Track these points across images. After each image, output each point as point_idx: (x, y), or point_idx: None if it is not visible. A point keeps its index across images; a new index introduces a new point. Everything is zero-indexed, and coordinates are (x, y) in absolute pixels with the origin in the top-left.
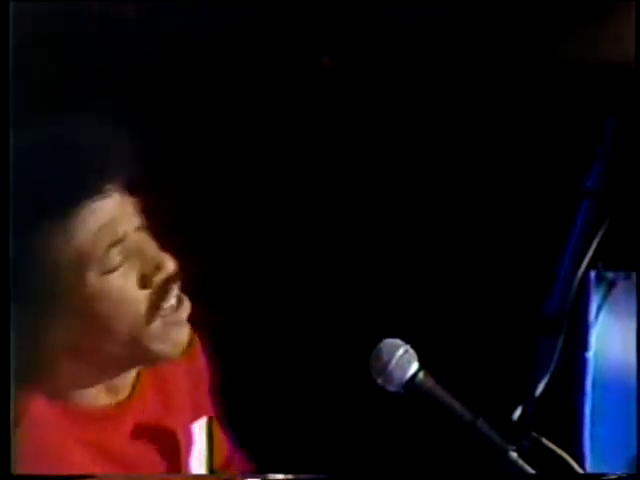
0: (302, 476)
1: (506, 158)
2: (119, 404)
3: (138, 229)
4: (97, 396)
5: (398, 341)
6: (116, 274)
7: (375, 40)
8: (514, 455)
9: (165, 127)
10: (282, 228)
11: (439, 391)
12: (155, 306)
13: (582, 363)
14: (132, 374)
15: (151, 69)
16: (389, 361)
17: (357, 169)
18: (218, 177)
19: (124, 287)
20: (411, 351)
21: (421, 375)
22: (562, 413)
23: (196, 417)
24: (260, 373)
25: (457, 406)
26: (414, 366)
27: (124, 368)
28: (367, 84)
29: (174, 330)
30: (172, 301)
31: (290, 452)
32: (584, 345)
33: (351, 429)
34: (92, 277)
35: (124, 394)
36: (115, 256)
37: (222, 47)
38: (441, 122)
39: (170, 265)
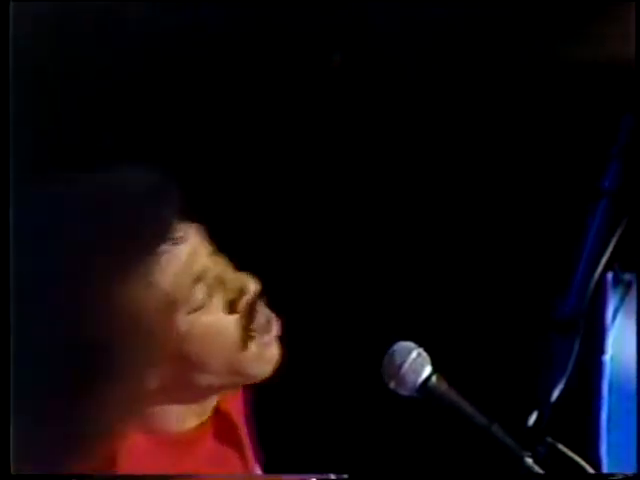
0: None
1: (522, 159)
2: (202, 424)
3: (211, 256)
4: (185, 421)
5: (411, 344)
6: (203, 310)
7: (384, 38)
8: (529, 461)
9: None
10: (294, 230)
11: (453, 395)
12: (247, 330)
13: (598, 367)
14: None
15: (152, 69)
16: (402, 364)
17: (368, 167)
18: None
19: (213, 321)
20: (424, 354)
21: (434, 379)
22: (578, 418)
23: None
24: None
25: (471, 411)
26: (427, 369)
27: (217, 393)
28: (376, 82)
29: (269, 350)
30: (262, 320)
31: (301, 454)
32: (601, 348)
33: (362, 432)
34: (180, 319)
35: (208, 414)
36: (199, 293)
37: (231, 46)
38: (453, 121)
39: (252, 285)
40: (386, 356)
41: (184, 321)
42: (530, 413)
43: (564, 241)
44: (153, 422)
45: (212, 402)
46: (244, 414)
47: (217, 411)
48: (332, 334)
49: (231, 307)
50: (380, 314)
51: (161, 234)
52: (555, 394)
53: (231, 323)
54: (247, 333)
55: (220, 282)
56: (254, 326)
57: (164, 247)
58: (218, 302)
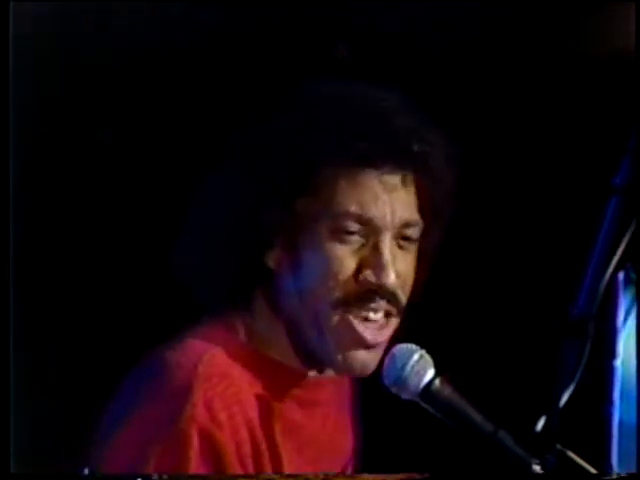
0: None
1: (532, 157)
2: (312, 377)
3: (400, 235)
4: (294, 358)
5: (413, 346)
6: (344, 244)
7: (390, 28)
8: (537, 468)
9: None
10: None
11: (457, 400)
12: (345, 303)
13: (609, 371)
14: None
15: (154, 66)
16: (403, 367)
17: None
18: None
19: (339, 259)
20: (427, 357)
21: (438, 382)
22: (588, 424)
23: None
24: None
25: (477, 416)
26: (430, 373)
27: (309, 354)
28: (383, 73)
29: (351, 341)
30: (363, 313)
31: None
32: (611, 351)
33: (364, 435)
34: (321, 227)
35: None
36: (352, 227)
37: (232, 38)
38: (463, 116)
39: (388, 280)
40: (386, 359)
41: (321, 232)
42: (538, 419)
43: (574, 239)
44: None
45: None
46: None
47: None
48: None
49: (357, 273)
50: None
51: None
52: (564, 399)
53: (345, 281)
54: (344, 303)
55: (376, 249)
56: (354, 308)
57: (371, 170)
58: (357, 258)
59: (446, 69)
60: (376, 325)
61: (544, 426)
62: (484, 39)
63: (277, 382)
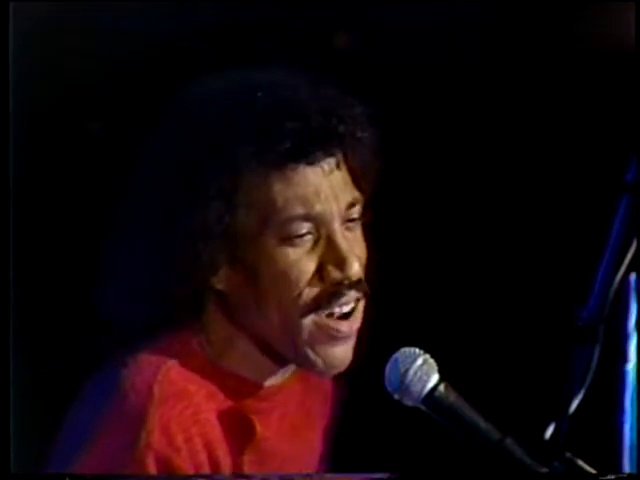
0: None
1: (543, 157)
2: (272, 387)
3: (344, 220)
4: (252, 371)
5: (416, 350)
6: (296, 247)
7: (391, 17)
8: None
9: None
10: None
11: (462, 406)
12: (316, 305)
13: (620, 376)
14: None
15: (155, 65)
16: (406, 373)
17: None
18: None
19: (297, 265)
20: (431, 361)
21: (442, 388)
22: (599, 432)
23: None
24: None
25: (483, 423)
26: (434, 378)
27: (277, 359)
28: (383, 64)
29: (327, 338)
30: (336, 309)
31: None
32: (622, 356)
33: (365, 441)
34: (269, 238)
35: (279, 379)
36: (302, 229)
37: (230, 28)
38: (468, 110)
39: (353, 270)
40: (388, 363)
41: (271, 242)
42: (547, 426)
43: (583, 239)
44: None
45: (284, 368)
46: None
47: (301, 378)
48: None
49: (320, 272)
50: (381, 316)
51: (311, 148)
52: (574, 405)
53: (309, 284)
54: (314, 306)
55: (330, 241)
56: (324, 305)
57: (295, 168)
58: (314, 257)
59: (450, 72)
60: (347, 316)
61: (553, 433)
62: (487, 42)
63: (234, 395)
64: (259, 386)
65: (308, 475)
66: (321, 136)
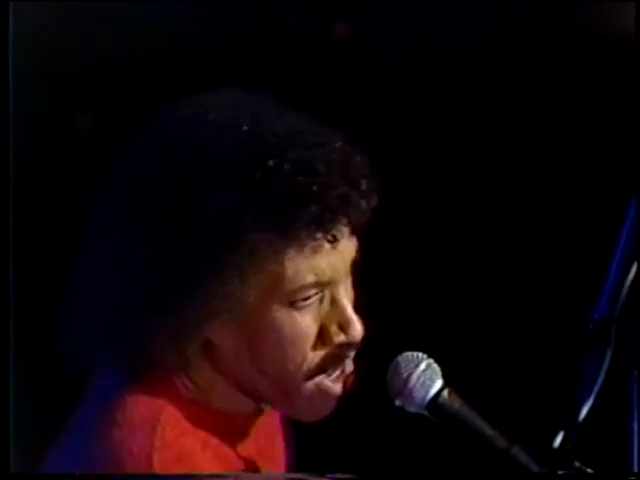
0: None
1: (554, 157)
2: (251, 419)
3: (346, 277)
4: (238, 404)
5: (419, 354)
6: (302, 311)
7: (390, 6)
8: None
9: None
10: None
11: (467, 413)
12: (320, 369)
13: (632, 381)
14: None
15: (155, 65)
16: (409, 378)
17: (376, 149)
18: None
19: (302, 329)
20: (434, 366)
21: (446, 394)
22: (610, 440)
23: None
24: None
25: (488, 430)
26: (438, 384)
27: (263, 402)
28: (382, 55)
29: (324, 398)
30: (339, 372)
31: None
32: (635, 360)
33: (366, 449)
34: (277, 304)
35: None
36: (311, 294)
37: (226, 18)
38: (468, 109)
39: (357, 333)
40: (390, 368)
41: (278, 308)
42: (555, 433)
43: (594, 240)
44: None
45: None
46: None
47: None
48: None
49: (323, 335)
50: (383, 319)
51: (313, 234)
52: (584, 412)
53: (313, 347)
54: (319, 369)
55: (334, 303)
56: (328, 369)
57: (316, 235)
58: (317, 319)
59: (450, 69)
60: (343, 375)
61: (562, 441)
62: (487, 39)
63: (224, 433)
64: (244, 418)
65: (308, 475)
66: (341, 210)
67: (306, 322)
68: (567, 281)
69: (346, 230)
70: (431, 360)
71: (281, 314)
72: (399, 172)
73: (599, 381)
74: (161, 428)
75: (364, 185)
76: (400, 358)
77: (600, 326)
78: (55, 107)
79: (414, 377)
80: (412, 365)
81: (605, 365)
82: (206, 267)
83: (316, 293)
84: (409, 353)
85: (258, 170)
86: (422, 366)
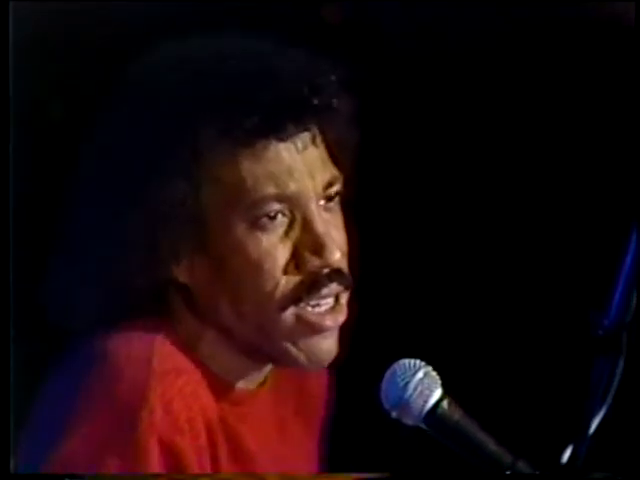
0: None
1: (564, 160)
2: (245, 391)
3: (320, 199)
4: (225, 371)
5: (417, 361)
6: (269, 232)
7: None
8: None
9: None
10: None
11: (469, 425)
12: (295, 297)
13: None
14: (265, 371)
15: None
16: (406, 387)
17: (372, 151)
18: None
19: (270, 252)
20: (433, 374)
21: (446, 405)
22: (622, 454)
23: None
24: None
25: (491, 445)
26: (437, 393)
27: (252, 355)
28: (376, 40)
29: (310, 333)
30: (316, 302)
31: None
32: None
33: (360, 462)
34: (238, 222)
35: (252, 384)
36: (274, 211)
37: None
38: (458, 84)
39: (333, 257)
40: (385, 377)
41: (240, 227)
42: (564, 448)
43: (604, 242)
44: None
45: (260, 372)
46: (326, 398)
47: (274, 380)
48: None
49: (296, 259)
50: (377, 324)
51: (265, 132)
52: (594, 424)
53: (285, 273)
54: (294, 298)
55: (307, 224)
56: (304, 296)
57: (265, 144)
58: (289, 243)
59: (449, 61)
60: (331, 309)
61: (571, 456)
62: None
63: (210, 391)
64: (231, 387)
65: (308, 475)
66: (293, 108)
67: (271, 242)
68: (575, 285)
69: (306, 135)
70: (429, 368)
71: (244, 235)
72: (399, 172)
73: (610, 391)
74: (160, 340)
75: (320, 83)
76: (396, 366)
77: (610, 332)
78: (55, 107)
79: (411, 386)
80: (409, 373)
81: (616, 374)
82: (158, 186)
83: (282, 213)
84: (406, 360)
85: (215, 65)
86: (420, 374)
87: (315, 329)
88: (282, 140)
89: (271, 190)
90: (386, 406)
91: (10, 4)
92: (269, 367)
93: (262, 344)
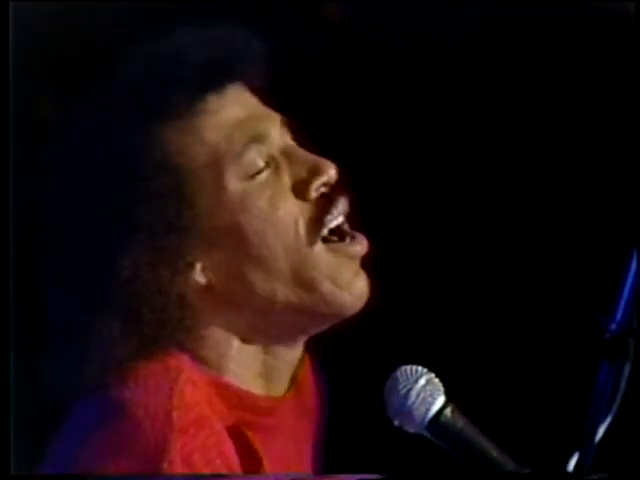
0: None
1: (572, 164)
2: (274, 400)
3: (281, 128)
4: (253, 381)
5: (419, 368)
6: (262, 178)
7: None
8: None
9: None
10: None
11: (472, 433)
12: (318, 222)
13: None
14: (293, 363)
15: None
16: (408, 394)
17: (371, 147)
18: None
19: (276, 200)
20: (435, 381)
21: (448, 412)
22: (629, 461)
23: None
24: None
25: (495, 452)
26: (440, 400)
27: (287, 326)
28: (376, 36)
29: (347, 264)
30: (340, 219)
31: None
32: None
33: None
34: (232, 182)
35: (280, 390)
36: (256, 156)
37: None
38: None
39: (331, 170)
40: (387, 384)
41: (236, 187)
42: (570, 455)
43: (611, 243)
44: (208, 353)
45: (285, 374)
46: (318, 398)
47: (297, 385)
48: (325, 353)
49: (300, 188)
50: (379, 329)
51: (211, 84)
52: (600, 431)
53: (296, 207)
54: (317, 226)
55: (289, 155)
56: (328, 220)
57: (217, 102)
58: (283, 179)
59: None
60: (352, 239)
61: (577, 464)
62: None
63: (238, 411)
64: (260, 399)
65: (308, 475)
66: (222, 69)
67: (271, 185)
68: (581, 288)
69: (237, 86)
70: (432, 375)
71: (245, 194)
72: (399, 172)
73: (617, 397)
74: (180, 390)
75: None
76: (398, 373)
77: (617, 337)
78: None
79: (413, 393)
80: (411, 380)
81: (623, 380)
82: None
83: (267, 161)
84: (408, 367)
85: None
86: (422, 381)
87: (350, 256)
88: (220, 93)
89: (244, 137)
90: (389, 413)
91: (10, 4)
92: (300, 356)
93: (302, 299)
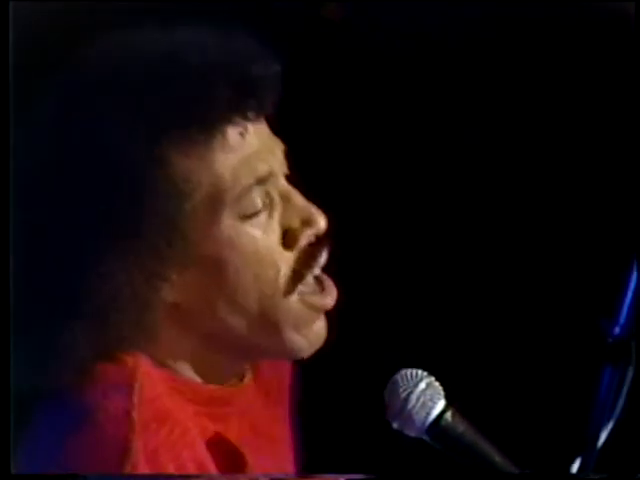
0: None
1: (566, 166)
2: (230, 389)
3: (285, 174)
4: (208, 378)
5: (419, 371)
6: (255, 221)
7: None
8: None
9: None
10: None
11: (473, 437)
12: (299, 275)
13: None
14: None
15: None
16: (408, 398)
17: (372, 146)
18: None
19: (262, 242)
20: (436, 384)
21: (449, 416)
22: (632, 465)
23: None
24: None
25: (497, 457)
26: (440, 404)
27: (238, 353)
28: (377, 37)
29: (313, 317)
30: (317, 271)
31: None
32: None
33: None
34: (226, 219)
35: (235, 381)
36: (256, 198)
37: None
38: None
39: (322, 223)
40: (387, 388)
41: (229, 224)
42: (572, 460)
43: (613, 245)
44: (165, 356)
45: (238, 368)
46: (289, 387)
47: (257, 372)
48: (324, 356)
49: (289, 238)
50: (378, 333)
51: (231, 117)
52: (603, 436)
53: (282, 255)
54: (296, 278)
55: (286, 199)
56: (307, 274)
57: (230, 132)
58: (275, 224)
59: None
60: (323, 289)
61: (579, 469)
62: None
63: (196, 403)
64: (215, 390)
65: (309, 475)
66: (248, 101)
67: (262, 229)
68: (584, 292)
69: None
70: (432, 378)
71: (235, 230)
72: (399, 173)
73: (620, 402)
74: (139, 386)
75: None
76: (398, 376)
77: (620, 341)
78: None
79: (413, 397)
80: (412, 384)
81: (626, 384)
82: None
83: (261, 196)
84: (408, 370)
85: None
86: (422, 385)
87: (319, 311)
88: (245, 120)
89: (250, 177)
90: (388, 417)
91: (10, 4)
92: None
93: (260, 338)
